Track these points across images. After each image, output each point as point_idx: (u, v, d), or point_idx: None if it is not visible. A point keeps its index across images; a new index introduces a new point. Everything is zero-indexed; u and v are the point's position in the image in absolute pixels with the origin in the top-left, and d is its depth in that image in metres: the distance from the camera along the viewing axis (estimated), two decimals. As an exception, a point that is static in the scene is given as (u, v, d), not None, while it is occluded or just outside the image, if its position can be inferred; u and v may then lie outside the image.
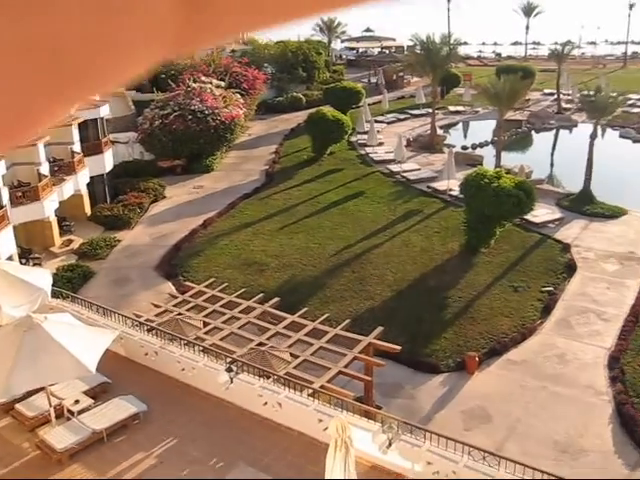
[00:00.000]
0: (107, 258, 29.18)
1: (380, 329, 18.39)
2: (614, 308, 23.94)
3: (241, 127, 45.56)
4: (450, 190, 34.72)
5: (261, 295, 21.75)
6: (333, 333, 18.22)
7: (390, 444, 12.71)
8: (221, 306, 20.17)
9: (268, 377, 15.36)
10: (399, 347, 18.02)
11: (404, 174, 39.03)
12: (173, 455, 13.89)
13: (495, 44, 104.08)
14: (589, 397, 19.17)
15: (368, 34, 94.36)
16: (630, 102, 59.71)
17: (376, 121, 50.12)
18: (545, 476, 11.75)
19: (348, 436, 11.16)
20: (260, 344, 17.62)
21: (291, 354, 17.14)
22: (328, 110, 43.93)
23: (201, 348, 16.81)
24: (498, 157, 36.99)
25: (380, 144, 45.95)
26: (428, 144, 46.24)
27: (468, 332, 22.30)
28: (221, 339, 18.13)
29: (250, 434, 14.48)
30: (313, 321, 19.27)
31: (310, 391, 14.89)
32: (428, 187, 36.86)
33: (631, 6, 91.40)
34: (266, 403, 14.77)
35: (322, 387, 15.44)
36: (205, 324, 19.07)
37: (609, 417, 18.29)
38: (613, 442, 17.32)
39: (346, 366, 16.76)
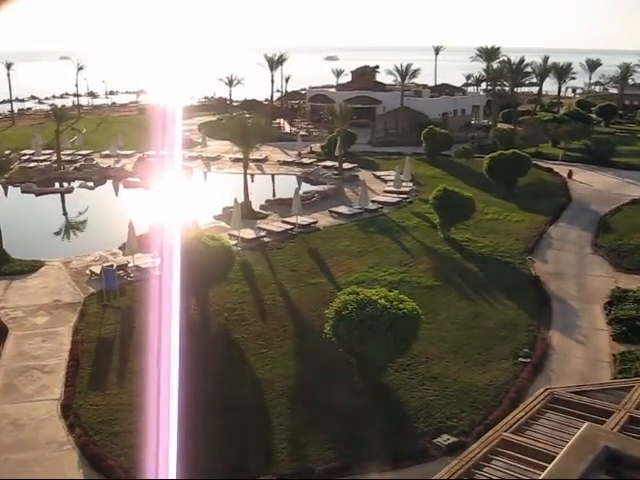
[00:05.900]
0: None
1: None
2: (54, 358, 24.21)
3: None
4: None
5: None
6: None
7: None
8: None
9: None
10: None
11: None
12: None
13: None
14: (54, 452, 19.02)
15: None
16: (25, 157, 60.85)
17: None
18: None
19: None
20: None
21: None
22: None
23: None
24: None
25: None
26: None
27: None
28: None
29: None
30: None
31: None
32: None
33: (9, 65, 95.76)
34: None
35: None
36: None
37: (77, 463, 18.48)
38: (89, 484, 17.48)
39: None
